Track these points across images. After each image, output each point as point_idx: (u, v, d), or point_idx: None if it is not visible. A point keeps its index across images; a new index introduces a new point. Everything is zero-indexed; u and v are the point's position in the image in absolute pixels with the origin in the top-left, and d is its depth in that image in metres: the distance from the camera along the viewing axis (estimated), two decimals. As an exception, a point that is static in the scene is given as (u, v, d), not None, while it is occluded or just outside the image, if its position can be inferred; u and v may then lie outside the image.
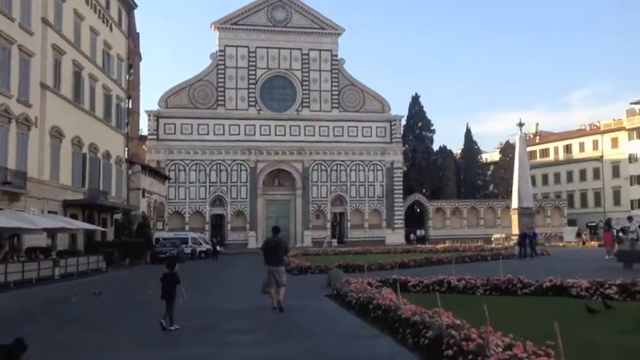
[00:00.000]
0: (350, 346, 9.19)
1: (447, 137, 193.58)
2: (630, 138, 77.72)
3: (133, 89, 58.66)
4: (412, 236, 71.10)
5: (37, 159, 31.05)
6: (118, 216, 42.71)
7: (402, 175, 73.10)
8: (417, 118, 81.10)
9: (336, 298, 14.75)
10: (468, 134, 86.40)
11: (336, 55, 73.33)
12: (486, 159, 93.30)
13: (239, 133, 68.63)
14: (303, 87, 71.46)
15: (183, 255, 40.62)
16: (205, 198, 66.87)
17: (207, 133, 67.83)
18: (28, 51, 30.16)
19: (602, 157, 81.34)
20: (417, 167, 78.75)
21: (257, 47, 70.80)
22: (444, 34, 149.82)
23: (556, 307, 12.12)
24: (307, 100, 71.41)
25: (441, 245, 47.67)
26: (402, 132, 74.57)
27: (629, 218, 29.48)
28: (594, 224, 79.99)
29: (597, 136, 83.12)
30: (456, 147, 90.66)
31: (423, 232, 73.98)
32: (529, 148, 69.94)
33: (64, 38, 34.94)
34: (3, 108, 27.65)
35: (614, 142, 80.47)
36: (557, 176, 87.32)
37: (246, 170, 68.02)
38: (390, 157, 71.79)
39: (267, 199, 69.68)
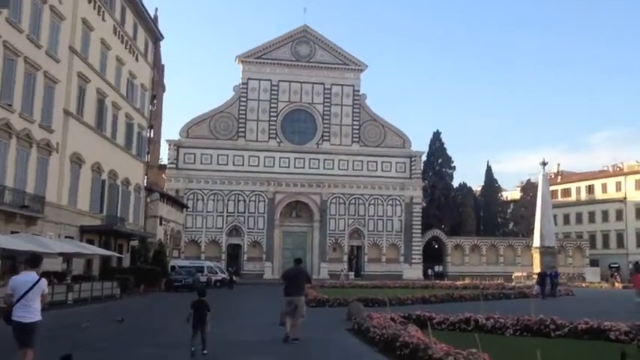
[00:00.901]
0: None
1: (467, 174, 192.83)
2: (655, 180, 76.58)
3: (155, 119, 59.52)
4: (430, 272, 70.24)
5: (56, 184, 31.34)
6: (135, 243, 42.78)
7: (421, 210, 72.60)
8: (438, 155, 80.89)
9: (358, 333, 14.32)
10: (489, 171, 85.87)
11: (358, 91, 73.80)
12: (506, 197, 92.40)
13: (258, 165, 68.98)
14: (324, 121, 71.85)
15: (198, 283, 40.39)
16: (222, 227, 66.94)
17: (227, 164, 68.26)
18: (53, 78, 30.72)
19: (625, 198, 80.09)
20: (437, 203, 78.16)
21: (280, 81, 71.60)
22: (465, 72, 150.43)
23: (595, 352, 11.50)
24: (328, 134, 71.70)
25: (461, 282, 46.85)
26: (422, 168, 74.33)
27: None
28: (617, 265, 78.45)
29: (620, 178, 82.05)
30: (476, 184, 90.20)
31: (440, 267, 73.09)
32: (550, 188, 69.19)
33: (89, 66, 35.54)
34: (25, 133, 28.06)
35: (638, 184, 79.23)
36: (578, 216, 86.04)
37: (264, 201, 68.12)
38: (410, 193, 71.45)
39: (285, 231, 69.54)
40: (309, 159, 70.47)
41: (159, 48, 59.09)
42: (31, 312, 8.20)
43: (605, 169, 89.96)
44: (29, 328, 8.20)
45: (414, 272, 68.27)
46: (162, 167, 67.79)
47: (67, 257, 30.61)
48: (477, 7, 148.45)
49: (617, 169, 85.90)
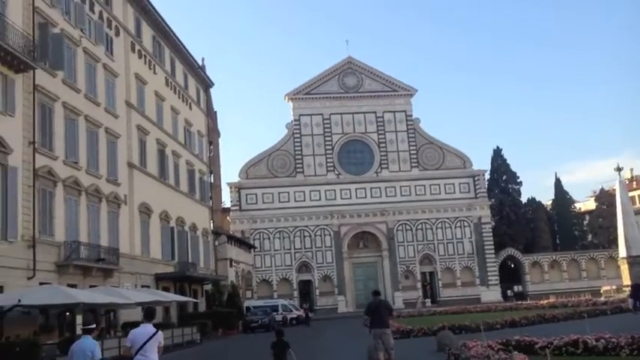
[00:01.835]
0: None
1: (533, 190, 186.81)
2: None
3: (213, 164, 60.28)
4: (509, 292, 67.30)
5: (127, 235, 31.69)
6: (208, 287, 42.82)
7: (491, 230, 70.24)
8: (501, 172, 78.43)
9: None
10: (558, 184, 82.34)
11: (411, 115, 73.01)
12: (579, 208, 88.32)
13: (320, 199, 68.65)
14: (380, 149, 71.20)
15: (274, 323, 39.86)
16: (291, 264, 66.54)
17: (288, 201, 68.23)
18: (114, 133, 31.38)
19: None
20: (506, 221, 75.34)
21: (331, 114, 71.66)
22: (520, 88, 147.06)
23: None
24: (385, 162, 70.90)
25: (546, 301, 44.35)
26: (486, 186, 72.21)
27: None
28: None
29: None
30: (545, 199, 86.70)
31: (520, 287, 69.89)
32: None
33: (147, 119, 36.31)
34: (93, 188, 28.54)
35: None
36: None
37: (330, 234, 67.47)
38: (477, 213, 69.42)
39: (354, 262, 68.54)
40: (370, 188, 69.70)
41: (210, 95, 60.20)
42: None
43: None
44: None
45: (492, 294, 65.69)
46: (226, 210, 68.37)
47: (146, 306, 30.58)
48: (525, 26, 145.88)
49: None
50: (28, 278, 22.72)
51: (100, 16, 31.40)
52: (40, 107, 24.90)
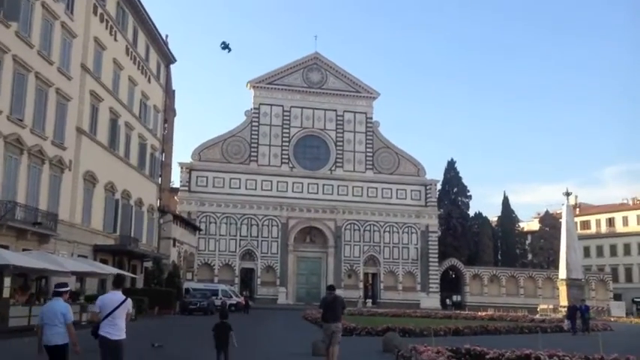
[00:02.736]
0: None
1: (481, 205, 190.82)
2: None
3: (166, 143, 58.83)
4: (448, 301, 68.37)
5: (68, 202, 30.30)
6: (149, 264, 41.61)
7: (437, 239, 71.06)
8: (453, 184, 79.44)
9: None
10: (506, 201, 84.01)
11: (371, 118, 73.16)
12: (523, 228, 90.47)
13: (271, 189, 67.99)
14: (337, 147, 71.05)
15: (212, 307, 39.01)
16: (235, 251, 65.67)
17: (239, 188, 67.32)
18: (65, 95, 29.92)
19: (647, 232, 78.18)
20: (452, 232, 76.44)
21: (292, 107, 71.08)
22: (476, 103, 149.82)
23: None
24: (341, 160, 70.79)
25: (485, 313, 44.97)
26: (437, 196, 72.96)
27: None
28: (640, 300, 76.10)
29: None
30: (490, 214, 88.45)
31: (459, 297, 71.00)
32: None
33: (102, 85, 34.88)
34: (37, 149, 27.12)
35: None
36: (599, 249, 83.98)
37: (278, 226, 66.89)
38: (425, 221, 70.10)
39: (298, 256, 68.15)
40: (323, 185, 69.46)
41: (170, 72, 58.70)
42: (117, 329, 8.54)
43: (625, 202, 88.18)
44: (115, 345, 8.52)
45: (431, 301, 66.44)
46: (174, 190, 66.86)
47: (81, 276, 29.40)
48: (490, 38, 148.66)
49: (638, 202, 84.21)
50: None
51: (64, -29, 29.89)
52: (-12, 58, 23.44)
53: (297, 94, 71.44)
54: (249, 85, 71.43)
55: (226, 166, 67.73)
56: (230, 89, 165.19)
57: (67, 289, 9.37)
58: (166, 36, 49.65)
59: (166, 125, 58.74)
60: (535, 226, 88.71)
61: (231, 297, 46.50)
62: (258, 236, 66.50)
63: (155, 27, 44.18)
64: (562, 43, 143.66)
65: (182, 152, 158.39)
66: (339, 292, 65.59)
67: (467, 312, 47.79)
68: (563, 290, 44.41)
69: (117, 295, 8.73)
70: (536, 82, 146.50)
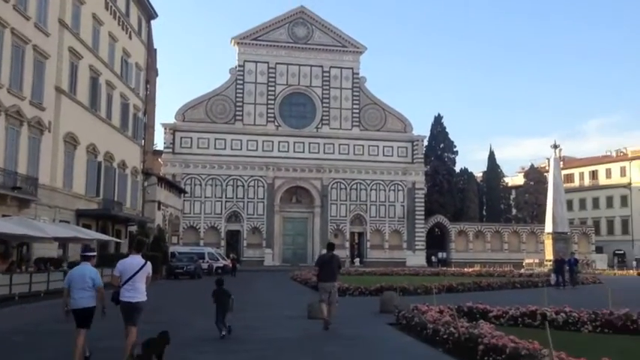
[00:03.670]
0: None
1: (466, 161, 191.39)
2: (661, 164, 75.34)
3: (148, 104, 57.39)
4: (434, 258, 68.78)
5: (49, 165, 29.42)
6: (133, 228, 40.94)
7: (423, 196, 71.04)
8: (440, 139, 79.13)
9: (408, 330, 12.24)
10: (492, 156, 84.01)
11: (358, 74, 72.00)
12: (507, 183, 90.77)
13: (257, 149, 67.18)
14: (323, 104, 70.04)
15: (200, 270, 38.66)
16: (221, 213, 65.19)
17: (225, 148, 66.41)
18: (43, 52, 28.70)
19: (630, 183, 78.71)
20: (439, 189, 76.49)
21: (277, 63, 69.66)
22: (463, 57, 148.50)
23: None
24: (327, 118, 69.91)
25: (471, 269, 45.17)
26: (423, 152, 72.60)
27: None
28: (622, 252, 77.25)
29: (625, 163, 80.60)
30: (476, 170, 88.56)
31: (444, 254, 71.49)
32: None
33: (81, 42, 33.56)
34: (15, 109, 26.10)
35: (643, 169, 77.97)
36: (582, 202, 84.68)
37: (264, 186, 66.36)
38: (412, 178, 69.86)
39: (285, 217, 67.87)
40: (309, 143, 68.73)
41: (151, 32, 56.86)
42: (138, 292, 8.73)
43: (609, 154, 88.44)
44: (137, 307, 8.71)
45: (417, 259, 66.88)
46: (158, 153, 65.76)
47: (63, 242, 28.74)
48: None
49: (621, 154, 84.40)
50: None
51: None
52: (-40, 13, 22.20)
53: (282, 50, 69.96)
54: (233, 41, 69.74)
55: (211, 127, 66.62)
56: (214, 47, 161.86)
57: (94, 253, 9.60)
58: (148, -12, 47.87)
59: (148, 86, 57.22)
60: (520, 180, 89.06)
61: (217, 260, 46.21)
62: (243, 197, 65.97)
63: (134, -21, 42.50)
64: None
65: (165, 114, 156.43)
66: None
67: (453, 269, 47.95)
68: (548, 244, 44.58)
69: (136, 259, 8.87)
70: (521, 35, 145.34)
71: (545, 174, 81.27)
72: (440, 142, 79.11)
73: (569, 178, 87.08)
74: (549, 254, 43.34)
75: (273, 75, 69.44)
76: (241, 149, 66.80)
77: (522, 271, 45.71)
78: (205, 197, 64.97)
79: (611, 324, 11.94)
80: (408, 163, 70.23)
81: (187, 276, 37.86)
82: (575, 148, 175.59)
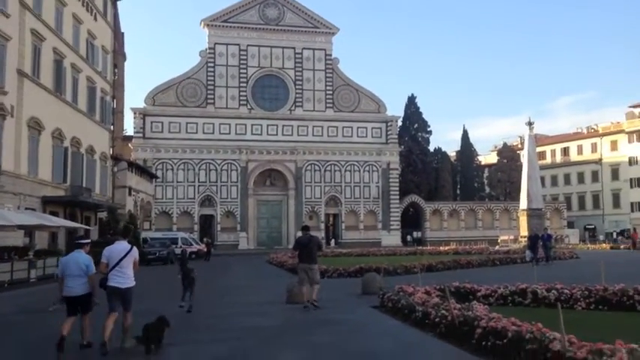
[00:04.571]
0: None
1: (439, 141, 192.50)
2: (630, 141, 76.48)
3: (117, 89, 55.99)
4: (409, 238, 69.04)
5: (12, 151, 28.38)
6: (103, 214, 40.05)
7: (398, 176, 71.03)
8: (414, 119, 79.08)
9: (394, 312, 11.78)
10: (465, 136, 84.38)
11: (330, 55, 71.32)
12: (481, 162, 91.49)
13: (229, 132, 66.30)
14: (296, 86, 69.33)
15: (173, 256, 38.08)
16: (194, 198, 64.35)
17: (196, 132, 65.41)
18: (3, 34, 27.58)
19: (601, 159, 79.87)
20: (413, 168, 76.62)
21: (248, 45, 68.61)
22: (435, 38, 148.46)
23: None
24: (300, 100, 69.25)
25: (447, 247, 45.35)
26: (397, 133, 72.45)
27: None
28: (592, 227, 78.57)
29: (596, 139, 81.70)
30: (449, 150, 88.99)
31: (419, 233, 71.79)
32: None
33: (44, 24, 32.40)
34: (-26, 94, 25.09)
35: (614, 145, 79.08)
36: (554, 179, 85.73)
37: (237, 170, 65.61)
38: (386, 158, 69.75)
39: (259, 200, 67.28)
40: (282, 125, 68.06)
41: (117, 16, 55.37)
42: (126, 278, 8.88)
43: (580, 131, 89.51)
44: (126, 292, 8.89)
45: (392, 239, 67.03)
46: (128, 138, 64.45)
47: (29, 231, 27.89)
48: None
49: (592, 130, 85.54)
50: None
51: None
52: None
53: (253, 32, 68.91)
54: (202, 23, 68.43)
55: (182, 110, 65.48)
56: (183, 30, 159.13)
57: (88, 241, 9.72)
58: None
59: (116, 70, 55.88)
60: (493, 159, 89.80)
61: (191, 245, 45.58)
62: (217, 181, 65.16)
63: (97, -42, 41.16)
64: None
65: (135, 100, 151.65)
66: (300, 234, 64.60)
67: (429, 247, 48.11)
68: (523, 220, 44.83)
69: (123, 245, 9.06)
70: (492, 14, 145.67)
71: (519, 152, 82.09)
72: (414, 123, 79.08)
73: (542, 155, 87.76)
74: (524, 230, 43.62)
75: (245, 57, 68.42)
76: (214, 133, 65.86)
77: (497, 247, 46.08)
78: (177, 182, 63.99)
79: (605, 300, 11.62)
80: (382, 143, 70.06)
81: (160, 262, 37.25)
82: (544, 126, 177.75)
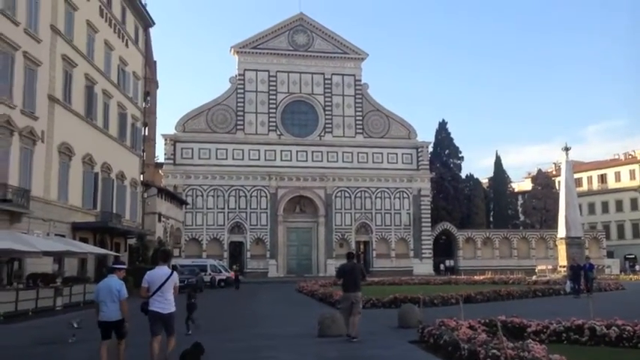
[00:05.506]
0: None
1: (471, 168, 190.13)
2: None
3: (149, 116, 56.28)
4: (442, 266, 67.18)
5: (42, 176, 28.23)
6: (133, 241, 39.67)
7: (429, 203, 69.59)
8: (444, 145, 77.81)
9: (436, 350, 10.74)
10: (498, 162, 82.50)
11: (360, 80, 70.89)
12: (514, 188, 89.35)
13: (259, 158, 65.92)
14: (326, 112, 68.89)
15: (202, 283, 37.34)
16: (224, 224, 63.80)
17: (226, 158, 65.18)
18: (34, 59, 27.60)
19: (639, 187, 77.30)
20: (445, 195, 75.07)
21: (277, 71, 68.63)
22: (464, 65, 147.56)
23: None
24: (330, 126, 68.72)
25: (482, 276, 43.70)
26: (428, 159, 71.24)
27: None
28: (633, 256, 75.70)
29: (634, 166, 79.22)
30: (482, 177, 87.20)
31: (452, 262, 69.91)
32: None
33: (75, 49, 32.56)
34: (5, 119, 24.95)
35: (652, 172, 76.60)
36: (591, 206, 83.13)
37: (267, 196, 65.02)
38: (417, 185, 68.49)
39: (288, 227, 66.43)
40: (312, 152, 67.46)
41: (149, 37, 55.92)
42: (167, 303, 8.95)
43: (616, 157, 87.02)
44: (168, 318, 8.97)
45: (424, 267, 65.41)
46: (159, 166, 64.66)
47: (58, 257, 27.45)
48: (478, 4, 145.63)
49: (630, 157, 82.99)
50: None
51: None
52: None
53: (283, 57, 68.95)
54: (232, 50, 68.75)
55: (212, 137, 65.44)
56: (214, 57, 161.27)
57: (123, 266, 9.70)
58: (144, -2, 47.01)
59: (149, 98, 56.32)
60: (527, 186, 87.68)
61: (220, 272, 44.83)
62: (246, 208, 64.59)
63: (131, -14, 41.57)
64: (550, 4, 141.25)
65: (166, 126, 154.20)
66: (330, 262, 64.40)
67: (464, 277, 46.44)
68: (562, 249, 43.00)
69: (163, 270, 9.10)
70: (523, 44, 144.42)
71: (554, 178, 79.98)
72: (445, 148, 77.81)
73: (578, 182, 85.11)
74: (563, 260, 41.85)
75: (274, 83, 68.39)
76: (243, 159, 65.57)
77: (535, 277, 44.24)
78: (207, 208, 63.62)
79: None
80: (413, 169, 68.92)
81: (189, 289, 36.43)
82: (576, 153, 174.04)
